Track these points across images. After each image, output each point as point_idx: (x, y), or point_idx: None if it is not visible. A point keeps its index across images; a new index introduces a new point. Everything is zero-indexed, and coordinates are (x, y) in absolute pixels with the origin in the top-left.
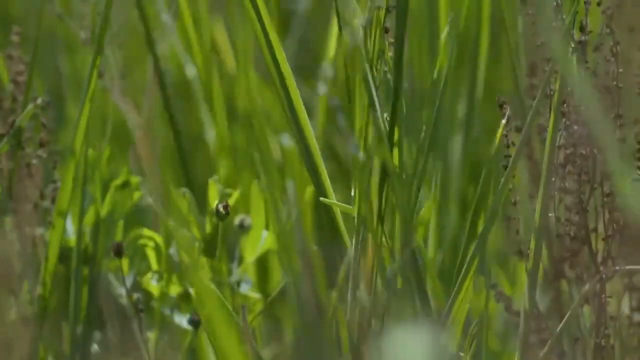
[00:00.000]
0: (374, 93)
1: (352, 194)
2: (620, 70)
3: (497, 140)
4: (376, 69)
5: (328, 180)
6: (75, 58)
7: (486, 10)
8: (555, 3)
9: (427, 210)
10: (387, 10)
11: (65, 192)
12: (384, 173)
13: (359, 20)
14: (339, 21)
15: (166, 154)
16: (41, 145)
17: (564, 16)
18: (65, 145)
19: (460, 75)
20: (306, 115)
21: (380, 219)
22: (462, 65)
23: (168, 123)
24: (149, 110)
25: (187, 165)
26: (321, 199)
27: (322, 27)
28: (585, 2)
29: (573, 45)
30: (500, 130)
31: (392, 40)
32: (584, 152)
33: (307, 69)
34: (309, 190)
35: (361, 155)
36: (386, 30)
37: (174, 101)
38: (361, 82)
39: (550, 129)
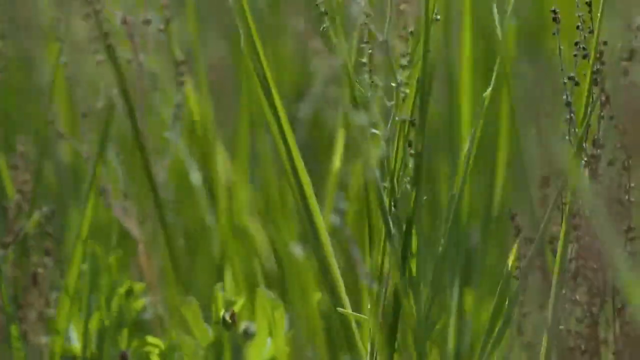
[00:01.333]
0: (387, 207)
1: (368, 306)
2: (632, 184)
3: (512, 256)
4: (397, 181)
5: (343, 290)
6: (80, 161)
7: (504, 125)
8: (569, 117)
9: (442, 326)
10: (412, 124)
11: (67, 301)
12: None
13: (381, 133)
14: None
15: (168, 264)
16: (46, 253)
17: (576, 130)
18: (70, 253)
19: (477, 189)
20: (324, 225)
21: (394, 333)
22: (480, 178)
23: (164, 235)
24: (153, 222)
25: (190, 275)
26: (338, 309)
27: (326, 134)
28: (599, 116)
29: (585, 159)
30: (515, 246)
31: (412, 152)
32: (594, 265)
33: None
34: (316, 297)
35: (371, 279)
36: (409, 144)
37: (176, 211)
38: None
39: (561, 241)
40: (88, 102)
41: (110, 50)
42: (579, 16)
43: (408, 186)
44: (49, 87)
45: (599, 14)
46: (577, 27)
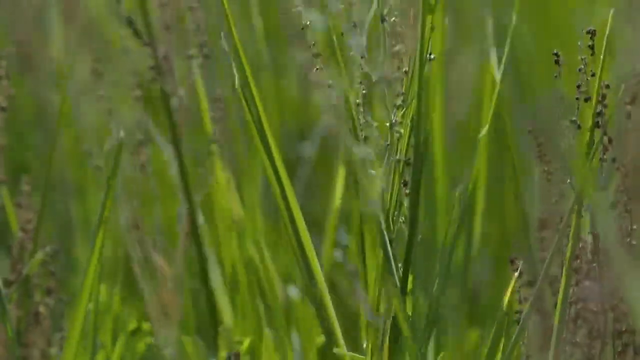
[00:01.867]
0: (388, 244)
1: (364, 345)
2: (634, 227)
3: (507, 296)
4: (393, 221)
5: (339, 330)
6: (86, 202)
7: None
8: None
9: None
10: (406, 163)
11: (73, 340)
12: (395, 326)
13: (376, 173)
14: (354, 173)
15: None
16: (49, 293)
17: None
18: (74, 292)
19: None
20: (319, 267)
21: None
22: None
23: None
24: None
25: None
26: (334, 349)
27: (328, 173)
28: (600, 160)
29: (587, 203)
30: (511, 286)
31: (408, 192)
32: (595, 308)
33: (314, 215)
34: (318, 340)
35: (373, 315)
36: (404, 183)
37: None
38: (376, 235)
39: (562, 284)
40: (96, 140)
41: (159, 84)
42: (581, 59)
43: (403, 226)
44: (55, 124)
45: (601, 57)
46: (579, 70)
